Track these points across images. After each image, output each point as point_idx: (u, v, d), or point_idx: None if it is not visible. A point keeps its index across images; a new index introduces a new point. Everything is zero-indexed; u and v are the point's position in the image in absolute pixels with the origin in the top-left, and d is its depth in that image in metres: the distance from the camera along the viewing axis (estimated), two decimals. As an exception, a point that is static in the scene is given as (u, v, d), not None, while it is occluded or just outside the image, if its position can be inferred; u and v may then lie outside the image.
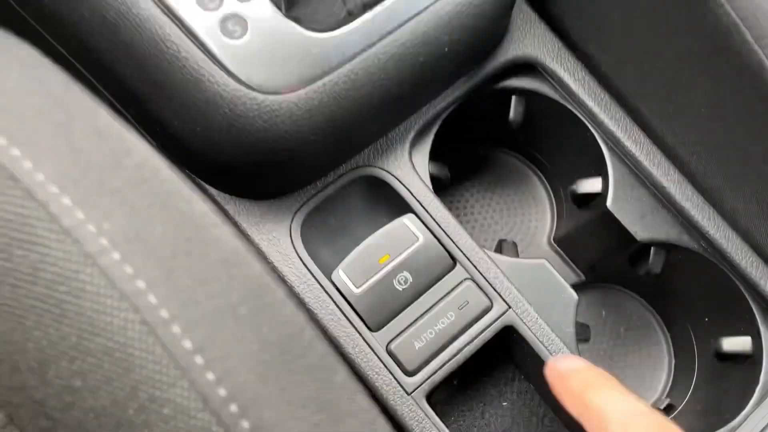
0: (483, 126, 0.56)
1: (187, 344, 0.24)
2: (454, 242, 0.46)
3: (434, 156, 0.50)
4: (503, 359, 0.51)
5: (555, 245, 0.58)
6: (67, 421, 0.26)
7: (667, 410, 0.54)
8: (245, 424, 0.23)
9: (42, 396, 0.26)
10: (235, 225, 0.45)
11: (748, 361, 0.50)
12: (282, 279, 0.44)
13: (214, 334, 0.24)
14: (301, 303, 0.44)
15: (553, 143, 0.55)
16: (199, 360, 0.23)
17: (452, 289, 0.45)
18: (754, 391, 0.48)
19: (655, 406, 0.55)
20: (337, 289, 0.45)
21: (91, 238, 0.24)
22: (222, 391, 0.23)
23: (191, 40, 0.39)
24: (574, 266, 0.57)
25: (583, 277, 0.57)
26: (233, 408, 0.23)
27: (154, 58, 0.39)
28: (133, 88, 0.41)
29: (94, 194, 0.25)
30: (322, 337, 0.26)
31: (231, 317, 0.24)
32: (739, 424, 0.47)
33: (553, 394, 0.36)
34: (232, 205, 0.45)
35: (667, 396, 0.55)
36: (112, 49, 0.40)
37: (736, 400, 0.49)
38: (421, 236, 0.46)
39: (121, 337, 0.24)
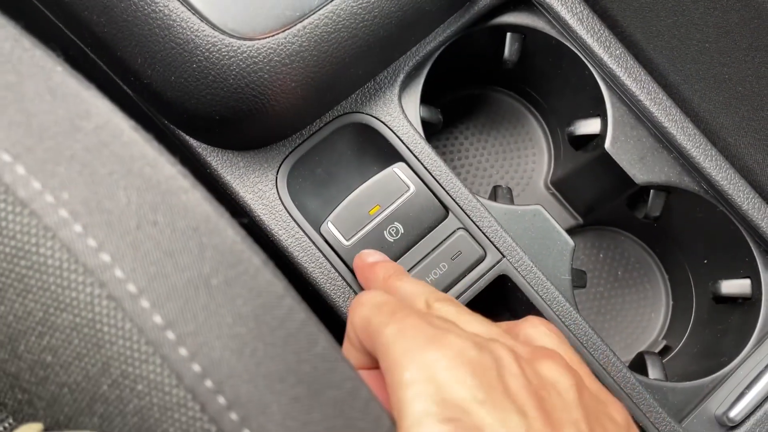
0: (476, 66, 0.53)
1: (158, 319, 0.22)
2: (446, 191, 0.45)
3: (425, 99, 0.48)
4: (498, 308, 0.50)
5: (552, 188, 0.56)
6: (42, 394, 0.25)
7: (664, 352, 0.54)
8: (221, 399, 0.22)
9: (16, 369, 0.25)
10: (218, 178, 0.44)
11: (747, 304, 0.49)
12: (268, 233, 0.43)
13: (186, 307, 0.23)
14: (288, 257, 0.43)
15: (550, 82, 0.53)
16: (170, 335, 0.22)
17: (445, 240, 0.44)
18: (751, 334, 0.48)
19: (651, 347, 0.55)
20: (327, 242, 0.44)
21: (49, 210, 0.23)
22: (196, 367, 0.22)
23: (159, -17, 0.36)
24: (571, 209, 0.55)
25: (580, 220, 0.55)
26: (208, 384, 0.22)
27: (120, 2, 0.36)
28: (101, 35, 0.39)
29: (51, 162, 0.23)
30: (303, 305, 0.25)
31: (203, 289, 0.23)
32: (737, 367, 0.47)
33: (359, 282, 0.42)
34: (214, 156, 0.44)
35: (664, 338, 0.55)
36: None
37: (733, 343, 0.49)
38: (413, 186, 0.44)
39: (89, 312, 0.23)
